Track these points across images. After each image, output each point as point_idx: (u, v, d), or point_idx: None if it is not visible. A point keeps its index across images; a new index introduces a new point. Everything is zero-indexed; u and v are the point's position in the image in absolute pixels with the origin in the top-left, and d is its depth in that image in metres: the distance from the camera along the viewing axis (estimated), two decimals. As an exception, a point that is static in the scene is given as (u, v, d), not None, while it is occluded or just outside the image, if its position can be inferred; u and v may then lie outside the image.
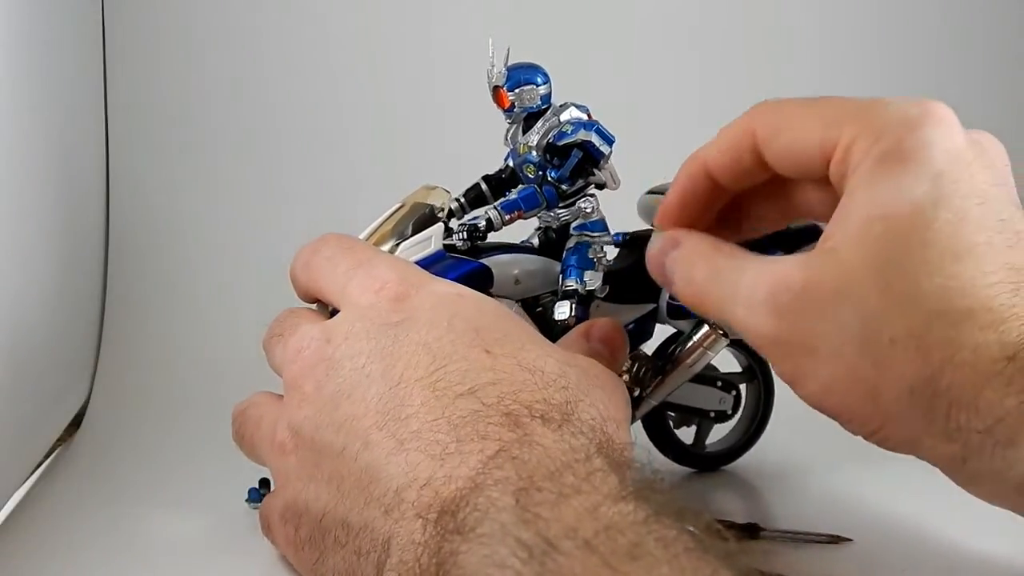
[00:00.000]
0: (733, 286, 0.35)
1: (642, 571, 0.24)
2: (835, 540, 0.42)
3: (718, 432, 0.51)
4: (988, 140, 0.36)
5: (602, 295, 0.43)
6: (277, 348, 0.39)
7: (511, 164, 0.44)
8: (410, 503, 0.30)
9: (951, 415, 0.33)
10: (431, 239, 0.41)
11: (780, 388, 0.50)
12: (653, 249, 0.39)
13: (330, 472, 0.33)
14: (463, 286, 0.38)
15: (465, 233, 0.42)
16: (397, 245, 0.41)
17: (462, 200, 0.43)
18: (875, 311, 0.33)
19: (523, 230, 0.45)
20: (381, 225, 0.42)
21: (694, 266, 0.37)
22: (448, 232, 0.42)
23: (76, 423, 0.60)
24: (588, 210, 0.43)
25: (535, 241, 0.45)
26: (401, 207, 0.43)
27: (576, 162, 0.42)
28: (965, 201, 0.33)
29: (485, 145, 0.46)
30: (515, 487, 0.27)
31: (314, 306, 0.41)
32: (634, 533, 0.25)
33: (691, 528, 0.25)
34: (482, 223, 0.42)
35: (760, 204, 0.39)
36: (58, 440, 0.57)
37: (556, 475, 0.28)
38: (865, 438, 0.35)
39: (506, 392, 0.32)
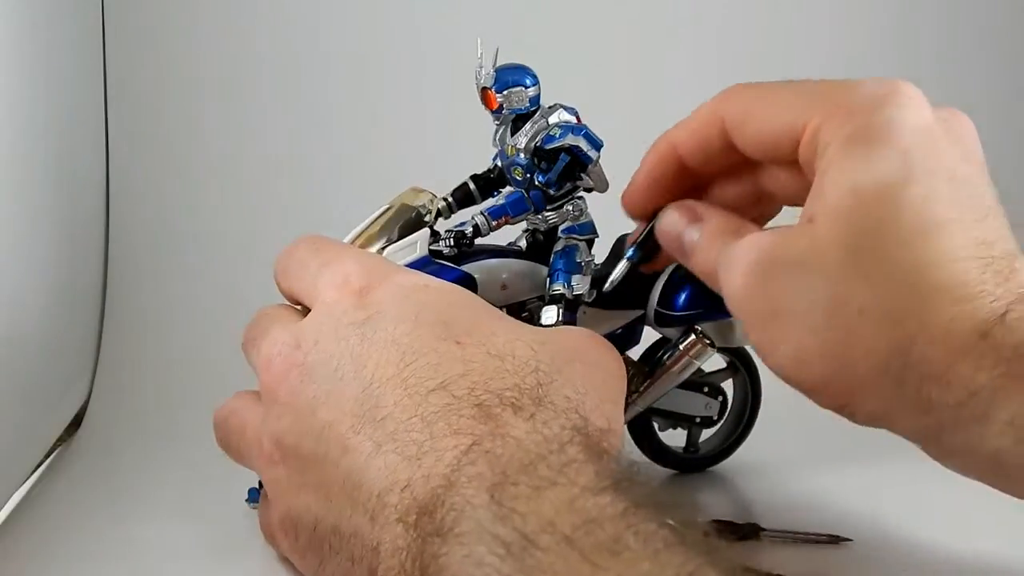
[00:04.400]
0: (731, 257, 0.36)
1: (623, 567, 0.23)
2: (835, 540, 0.42)
3: (705, 432, 0.51)
4: (956, 117, 0.36)
5: (589, 299, 0.43)
6: (252, 352, 0.38)
7: (499, 164, 0.44)
8: (392, 507, 0.29)
9: (922, 389, 0.33)
10: (416, 244, 0.41)
11: (776, 388, 0.50)
12: (668, 221, 0.39)
13: (316, 480, 0.33)
14: (429, 276, 0.37)
15: (452, 240, 0.42)
16: (383, 248, 0.41)
17: (450, 199, 0.43)
18: (844, 281, 0.33)
19: (511, 231, 0.45)
20: (368, 227, 0.42)
21: (712, 246, 0.37)
22: (435, 236, 0.42)
23: (76, 423, 0.60)
24: (576, 213, 0.43)
25: (523, 243, 0.45)
26: (388, 209, 0.43)
27: (563, 166, 0.41)
28: (934, 177, 0.33)
29: (475, 145, 0.46)
30: (489, 483, 0.27)
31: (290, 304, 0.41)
32: (613, 527, 0.24)
33: (670, 522, 0.25)
34: (469, 229, 0.42)
35: (728, 187, 0.40)
36: (58, 440, 0.57)
37: (530, 467, 0.27)
38: (835, 411, 0.35)
39: (476, 382, 0.31)
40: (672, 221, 0.39)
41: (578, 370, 0.33)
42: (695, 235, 0.38)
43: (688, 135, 0.39)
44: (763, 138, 0.37)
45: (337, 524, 0.32)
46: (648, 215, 0.41)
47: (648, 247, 0.41)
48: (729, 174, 0.40)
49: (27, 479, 0.51)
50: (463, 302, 0.36)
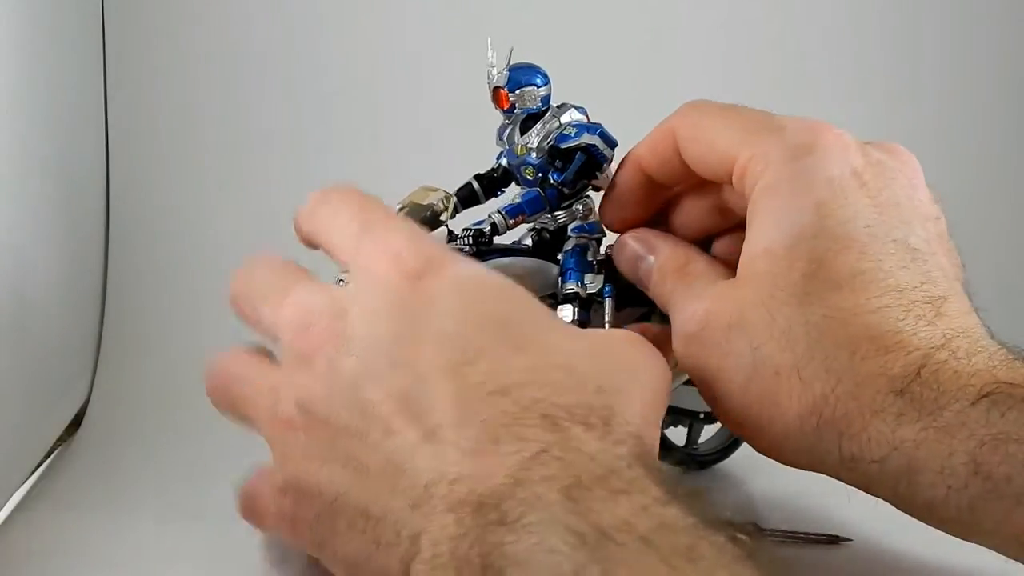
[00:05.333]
0: (677, 312, 0.37)
1: (700, 574, 0.23)
2: (835, 540, 0.42)
3: (707, 431, 0.51)
4: (892, 155, 0.36)
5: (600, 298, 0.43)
6: (264, 311, 0.37)
7: (504, 163, 0.44)
8: (440, 498, 0.29)
9: (842, 446, 0.33)
10: None
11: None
12: (626, 252, 0.41)
13: (346, 455, 0.32)
14: (485, 268, 0.36)
15: (471, 238, 0.41)
16: None
17: (454, 199, 0.43)
18: (762, 344, 0.34)
19: (516, 231, 0.45)
20: None
21: (664, 282, 0.39)
22: (450, 236, 0.42)
23: (76, 423, 0.60)
24: (586, 212, 0.43)
25: (528, 242, 0.45)
26: (400, 209, 0.42)
27: (580, 165, 0.41)
28: (849, 227, 0.34)
29: (477, 144, 0.46)
30: (562, 484, 0.26)
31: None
32: (687, 536, 0.24)
33: (740, 536, 0.25)
34: (487, 227, 0.42)
35: (695, 200, 0.41)
36: (58, 440, 0.57)
37: (602, 478, 0.27)
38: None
39: (541, 395, 0.30)
40: (628, 254, 0.41)
41: (636, 392, 0.33)
42: (649, 266, 0.40)
43: (648, 151, 0.40)
44: (704, 161, 0.38)
45: (366, 505, 0.31)
46: (624, 227, 0.42)
47: (618, 277, 0.42)
48: (694, 188, 0.40)
49: (27, 479, 0.51)
50: (521, 301, 0.35)
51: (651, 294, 0.40)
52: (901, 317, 0.33)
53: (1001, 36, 0.79)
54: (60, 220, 0.59)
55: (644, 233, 0.41)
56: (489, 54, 0.42)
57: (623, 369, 0.33)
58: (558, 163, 0.42)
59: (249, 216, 0.72)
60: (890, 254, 0.34)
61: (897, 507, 0.34)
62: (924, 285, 0.34)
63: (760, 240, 0.35)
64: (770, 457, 0.36)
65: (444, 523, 0.28)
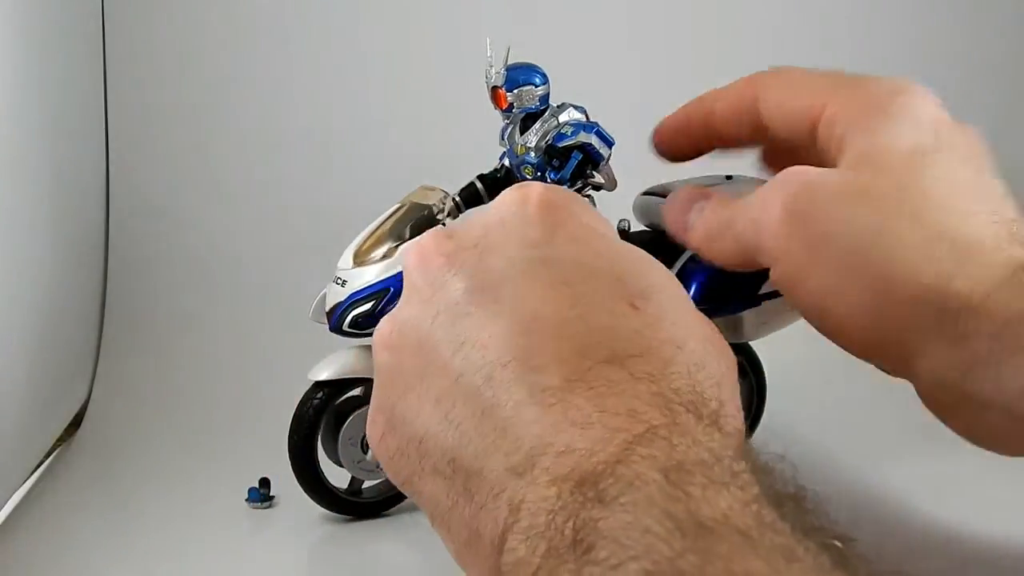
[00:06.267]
0: (756, 204, 0.36)
1: (800, 574, 0.22)
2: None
3: None
4: (968, 127, 0.38)
5: None
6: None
7: (507, 164, 0.44)
8: (543, 469, 0.27)
9: (960, 319, 0.33)
10: None
11: (776, 389, 0.50)
12: (676, 201, 0.40)
13: (439, 393, 0.30)
14: (604, 220, 0.36)
15: None
16: (395, 247, 0.41)
17: (457, 199, 0.43)
18: (892, 215, 0.34)
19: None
20: (379, 227, 0.42)
21: (723, 208, 0.38)
22: None
23: (76, 423, 0.60)
24: None
25: None
26: (399, 208, 0.43)
27: (576, 164, 0.42)
28: (962, 151, 0.36)
29: (481, 144, 0.46)
30: (662, 465, 0.25)
31: None
32: (784, 538, 0.23)
33: (837, 543, 0.24)
34: None
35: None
36: (58, 440, 0.57)
37: (706, 465, 0.26)
38: (860, 353, 0.36)
39: (656, 371, 0.29)
40: (682, 196, 0.40)
41: (731, 383, 0.32)
42: (702, 206, 0.39)
43: (725, 99, 0.40)
44: (785, 112, 0.38)
45: (456, 454, 0.29)
46: (672, 154, 0.42)
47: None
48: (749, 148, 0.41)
49: (27, 479, 0.51)
50: (640, 259, 0.33)
51: (698, 226, 0.39)
52: (1011, 237, 0.34)
53: (1001, 36, 0.79)
54: (60, 220, 0.59)
55: (700, 187, 0.41)
56: (488, 54, 0.42)
57: (721, 356, 0.32)
58: (555, 162, 0.42)
59: (249, 216, 0.72)
60: (996, 185, 0.36)
61: (978, 414, 0.34)
62: (1019, 222, 0.35)
63: (877, 142, 0.35)
64: (858, 347, 0.36)
65: (545, 495, 0.27)
